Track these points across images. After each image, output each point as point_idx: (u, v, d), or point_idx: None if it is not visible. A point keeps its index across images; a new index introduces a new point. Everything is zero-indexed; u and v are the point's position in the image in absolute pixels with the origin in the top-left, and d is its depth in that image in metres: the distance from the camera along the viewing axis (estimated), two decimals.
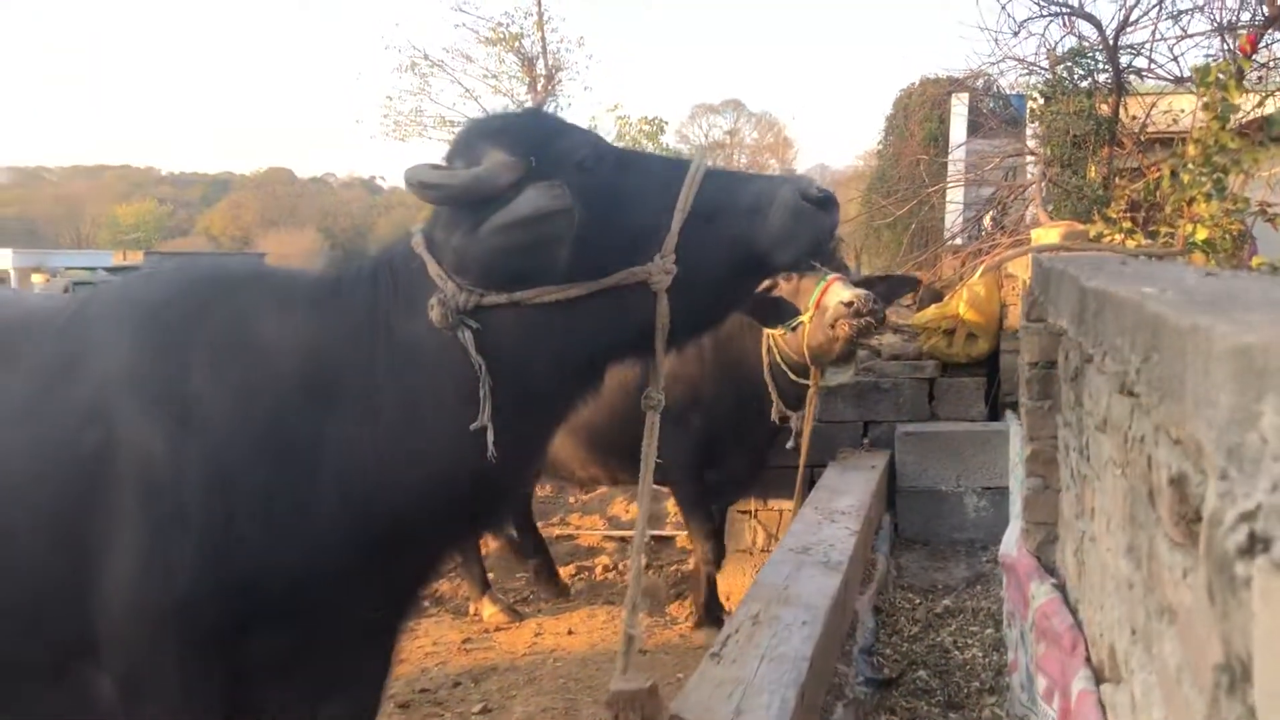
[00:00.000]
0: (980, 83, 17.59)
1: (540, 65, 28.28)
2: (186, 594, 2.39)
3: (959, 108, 17.57)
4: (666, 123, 41.00)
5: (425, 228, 2.50)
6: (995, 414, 6.58)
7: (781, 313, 4.98)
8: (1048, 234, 4.82)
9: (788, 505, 6.62)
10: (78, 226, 68.11)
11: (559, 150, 2.37)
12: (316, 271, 2.87)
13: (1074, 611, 2.92)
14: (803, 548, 4.22)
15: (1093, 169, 9.61)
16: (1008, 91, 16.52)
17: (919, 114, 20.26)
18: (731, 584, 6.65)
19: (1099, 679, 2.45)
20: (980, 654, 4.25)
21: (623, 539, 8.71)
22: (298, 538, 2.42)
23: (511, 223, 2.25)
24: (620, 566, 7.98)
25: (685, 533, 8.42)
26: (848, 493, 5.23)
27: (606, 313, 2.34)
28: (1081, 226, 5.16)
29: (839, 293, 4.81)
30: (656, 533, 8.75)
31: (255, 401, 2.46)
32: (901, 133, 21.13)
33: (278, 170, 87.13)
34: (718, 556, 6.09)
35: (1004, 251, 6.46)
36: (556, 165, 2.34)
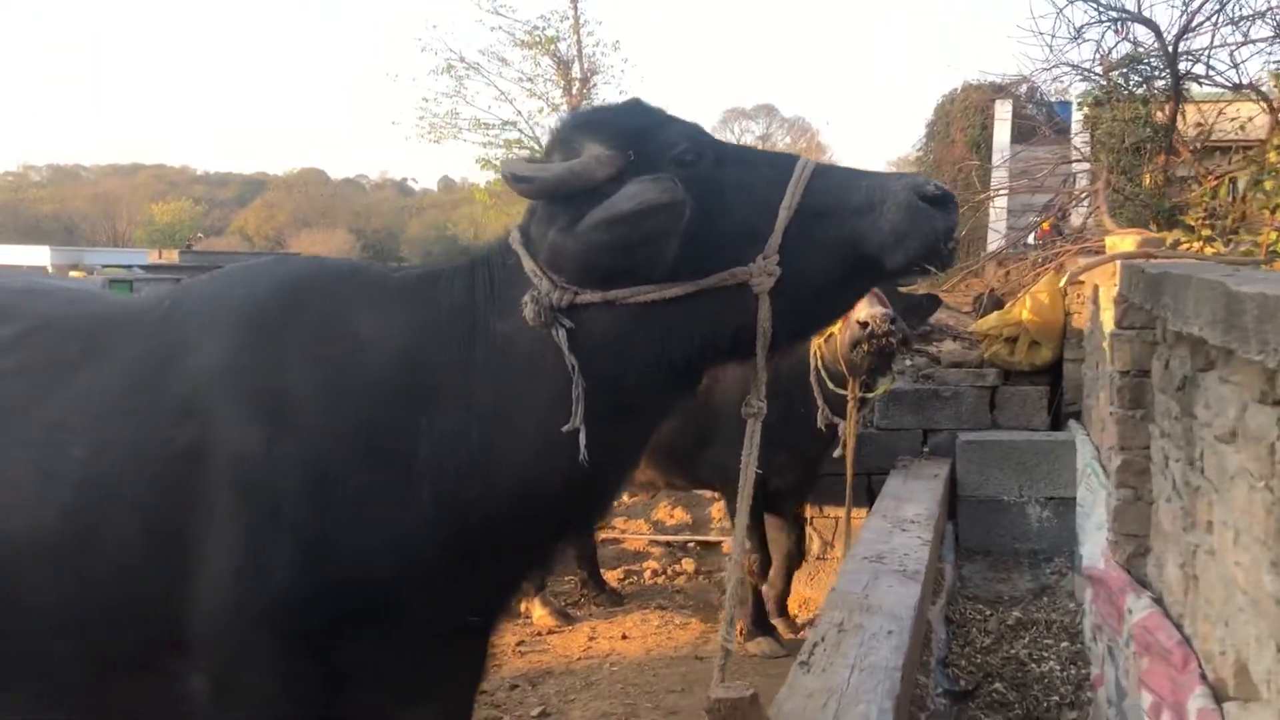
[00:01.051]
0: (1024, 89, 17.44)
1: (576, 69, 28.33)
2: (283, 594, 2.35)
3: (1003, 114, 17.42)
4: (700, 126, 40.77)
5: (522, 223, 2.44)
6: (1057, 423, 6.48)
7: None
8: (1122, 241, 4.73)
9: (841, 513, 6.56)
10: (114, 225, 68.79)
11: (658, 144, 2.29)
12: (412, 269, 2.84)
13: (1178, 627, 2.84)
14: (877, 555, 4.15)
15: (1148, 177, 9.47)
16: (1053, 98, 16.37)
17: (961, 120, 20.13)
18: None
19: (1218, 697, 2.38)
20: (1058, 667, 4.17)
21: (668, 543, 8.66)
22: (393, 538, 2.38)
23: (614, 218, 2.16)
24: (669, 571, 7.94)
25: (729, 540, 8.41)
26: (913, 501, 5.16)
27: (705, 314, 2.25)
28: (1156, 234, 5.07)
29: (859, 310, 4.74)
30: (701, 538, 8.71)
31: (351, 400, 2.41)
32: (944, 139, 21.02)
33: (311, 171, 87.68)
34: (764, 566, 6.03)
35: (1073, 258, 6.35)
36: (654, 159, 2.26)
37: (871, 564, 4.07)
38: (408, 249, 75.89)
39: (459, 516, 2.38)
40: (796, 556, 6.13)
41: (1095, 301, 5.46)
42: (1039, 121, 15.45)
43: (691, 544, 8.62)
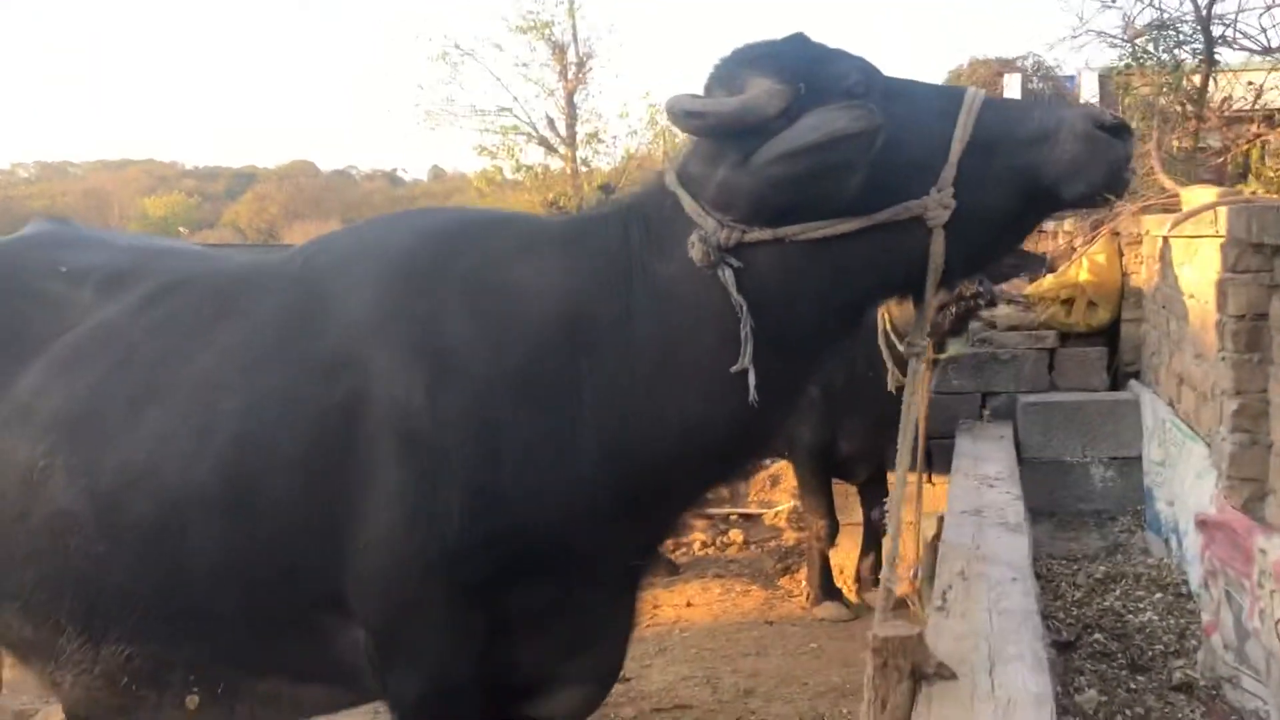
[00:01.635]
0: (1030, 62, 17.41)
1: (571, 53, 28.23)
2: (454, 545, 2.33)
3: (1012, 88, 17.42)
4: None
5: (678, 165, 2.39)
6: (1115, 384, 6.49)
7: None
8: (1200, 194, 4.73)
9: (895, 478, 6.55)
10: (106, 219, 68.41)
11: (828, 76, 2.20)
12: (560, 218, 2.81)
13: None
14: (975, 509, 4.17)
15: (1176, 143, 9.47)
16: (1059, 71, 16.37)
17: None
18: (845, 558, 6.58)
19: None
20: (1156, 618, 4.18)
21: (710, 516, 8.66)
22: (561, 485, 2.36)
23: (798, 149, 2.08)
24: (718, 542, 7.94)
25: (770, 511, 8.41)
26: (991, 460, 5.18)
27: (876, 250, 2.19)
28: (1231, 188, 5.07)
29: None
30: (743, 510, 8.71)
31: (513, 348, 2.39)
32: None
33: (300, 164, 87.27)
34: (831, 533, 6.03)
35: (1133, 218, 6.31)
36: (825, 92, 2.17)
37: (972, 517, 4.08)
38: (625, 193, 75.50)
39: (626, 462, 2.36)
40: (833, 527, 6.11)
41: (1162, 259, 5.46)
42: (1047, 95, 15.45)
43: (733, 516, 8.63)
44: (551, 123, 37.11)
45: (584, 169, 38.49)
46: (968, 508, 4.19)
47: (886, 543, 2.64)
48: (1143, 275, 6.17)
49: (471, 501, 2.34)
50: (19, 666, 2.92)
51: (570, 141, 37.62)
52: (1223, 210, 3.74)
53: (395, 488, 2.36)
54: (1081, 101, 13.51)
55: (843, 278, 2.22)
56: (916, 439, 5.94)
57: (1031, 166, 2.16)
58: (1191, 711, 3.57)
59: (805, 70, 2.20)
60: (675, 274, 2.28)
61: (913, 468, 5.68)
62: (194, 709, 2.69)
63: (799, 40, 2.40)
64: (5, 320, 2.82)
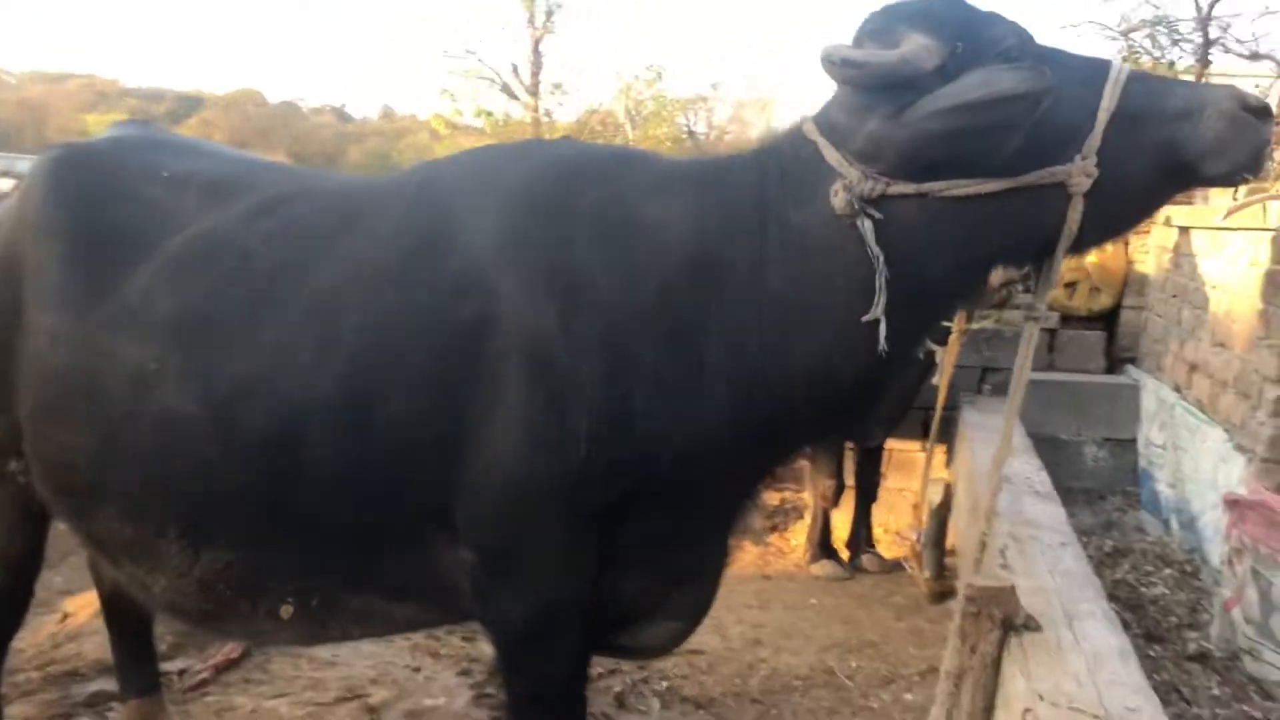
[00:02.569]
0: None
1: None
2: (579, 470, 2.36)
3: None
4: (663, 71, 40.66)
5: (819, 115, 2.42)
6: (1111, 368, 6.68)
7: None
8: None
9: (901, 445, 6.70)
10: (44, 133, 66.22)
11: (985, 38, 2.23)
12: (686, 160, 2.82)
13: None
14: (1004, 477, 4.27)
15: None
16: None
17: None
18: (836, 519, 6.69)
19: None
20: (1167, 592, 4.36)
21: None
22: (687, 420, 2.40)
23: (961, 105, 2.12)
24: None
25: None
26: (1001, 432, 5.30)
27: (1014, 213, 2.23)
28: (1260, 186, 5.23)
29: None
30: None
31: (644, 281, 2.41)
32: None
33: (248, 92, 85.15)
34: (838, 494, 6.16)
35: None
36: (981, 53, 2.21)
37: (1006, 485, 4.18)
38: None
39: (750, 403, 2.40)
40: (872, 489, 6.27)
41: (1177, 249, 5.62)
42: None
43: None
44: (515, 70, 36.73)
45: (546, 119, 38.12)
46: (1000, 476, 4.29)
47: (989, 499, 2.72)
48: (1149, 264, 6.33)
49: (599, 429, 2.36)
50: (106, 565, 2.89)
51: (534, 90, 37.23)
52: (1272, 204, 3.87)
53: (523, 411, 2.37)
54: None
55: (978, 237, 2.26)
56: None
57: (1175, 141, 2.19)
58: (1208, 681, 3.75)
59: (963, 30, 2.23)
60: (810, 222, 2.31)
61: (927, 438, 5.84)
62: (286, 619, 2.70)
63: (944, 4, 2.42)
64: (109, 221, 2.78)
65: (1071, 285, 6.60)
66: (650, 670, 4.71)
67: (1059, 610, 2.82)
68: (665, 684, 4.52)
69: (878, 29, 2.30)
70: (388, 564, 2.64)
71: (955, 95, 2.13)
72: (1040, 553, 3.32)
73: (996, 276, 2.42)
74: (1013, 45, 2.24)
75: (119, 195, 2.82)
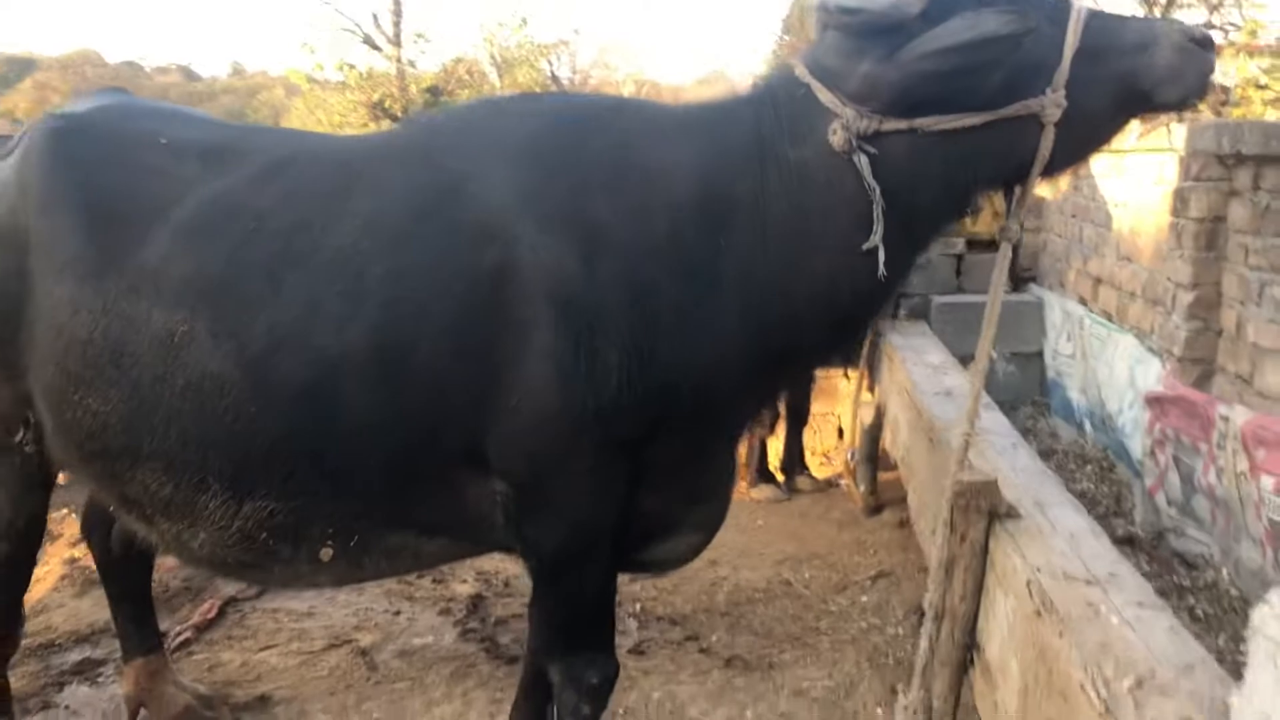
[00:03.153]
0: None
1: None
2: (610, 402, 2.54)
3: None
4: (528, 18, 40.14)
5: (808, 59, 2.62)
6: (1015, 287, 7.12)
7: None
8: None
9: (822, 372, 7.02)
10: None
11: None
12: (684, 105, 2.99)
13: None
14: (944, 391, 4.62)
15: None
16: None
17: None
18: (774, 446, 6.99)
19: None
20: (1091, 486, 4.78)
21: None
22: (706, 347, 2.60)
23: (950, 47, 2.31)
24: None
25: None
26: (929, 351, 5.65)
27: (994, 143, 2.45)
28: None
29: None
30: None
31: (655, 222, 2.58)
32: (798, 32, 21.53)
33: (85, 52, 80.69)
34: (774, 421, 6.46)
35: None
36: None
37: (944, 398, 4.52)
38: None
39: (761, 328, 2.61)
40: (804, 414, 6.59)
41: (1076, 172, 6.02)
42: None
43: None
44: (376, 19, 35.80)
45: (411, 69, 37.30)
46: (938, 390, 4.63)
47: (971, 401, 2.98)
48: (1045, 188, 6.75)
49: (627, 362, 2.54)
50: (138, 527, 2.95)
51: (396, 40, 36.37)
52: (1176, 126, 4.25)
53: (551, 350, 2.52)
54: None
55: (962, 166, 2.49)
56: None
57: (1132, 72, 2.41)
58: (1137, 559, 4.17)
59: None
60: (807, 159, 2.51)
61: (857, 364, 6.17)
62: (326, 561, 2.82)
63: None
64: (115, 190, 2.81)
65: (974, 212, 6.97)
66: (622, 595, 4.95)
67: (1029, 501, 3.13)
68: (639, 605, 4.77)
69: None
70: (421, 502, 2.77)
71: (944, 38, 2.34)
72: (998, 453, 3.65)
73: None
74: None
75: (121, 164, 2.85)
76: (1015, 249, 7.00)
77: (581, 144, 2.69)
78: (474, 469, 2.70)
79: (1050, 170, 2.56)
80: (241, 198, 2.74)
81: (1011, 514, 2.94)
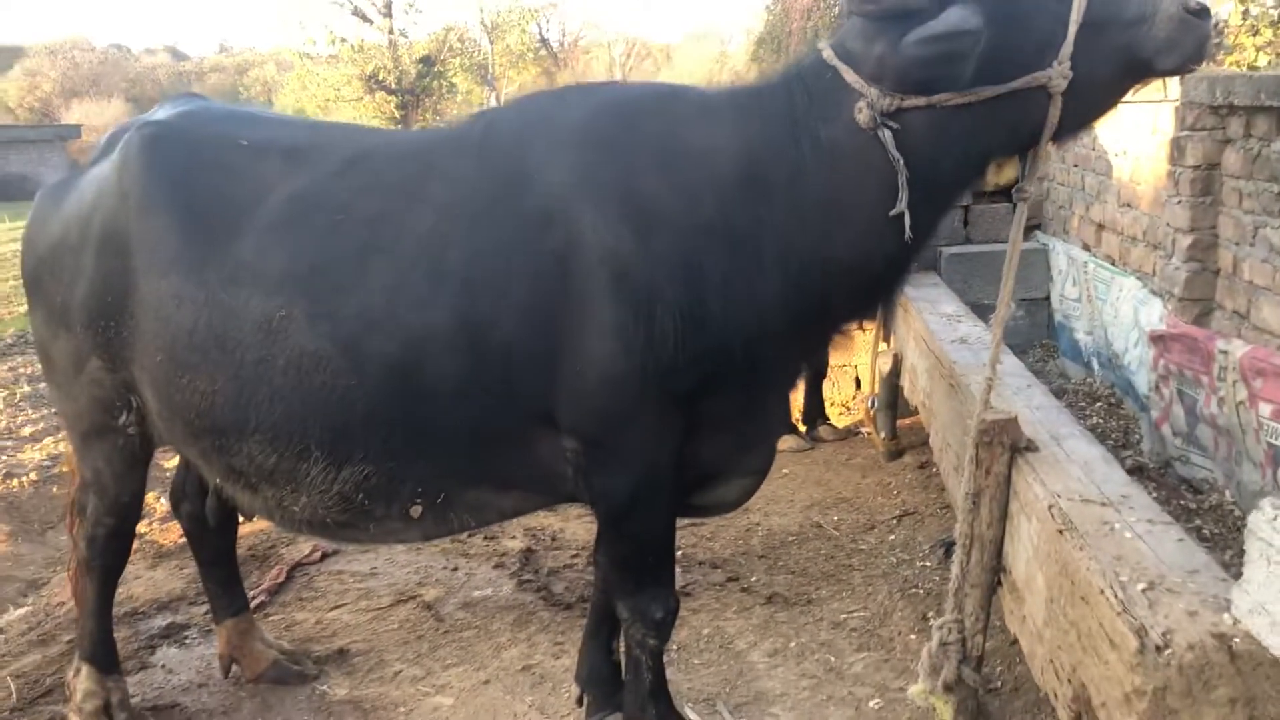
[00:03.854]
0: None
1: None
2: (668, 362, 2.83)
3: None
4: None
5: (834, 42, 2.87)
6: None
7: None
8: None
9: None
10: None
11: None
12: (722, 89, 3.25)
13: None
14: (960, 339, 4.90)
15: None
16: None
17: None
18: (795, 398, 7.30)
19: None
20: (1101, 421, 5.08)
21: None
22: (751, 311, 2.88)
23: (933, 36, 2.56)
24: None
25: None
26: (942, 301, 5.93)
27: (1006, 113, 2.66)
28: None
29: None
30: None
31: (703, 201, 2.86)
32: None
33: (73, 39, 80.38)
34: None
35: None
36: None
37: (961, 345, 4.80)
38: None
39: (801, 291, 2.88)
40: (823, 367, 6.88)
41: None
42: None
43: None
44: None
45: (403, 40, 37.33)
46: (954, 338, 4.91)
47: (992, 350, 3.25)
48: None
49: (682, 326, 2.82)
50: (241, 496, 3.25)
51: (387, 12, 36.38)
52: (1173, 78, 4.49)
53: (613, 318, 2.81)
54: None
55: (978, 136, 2.72)
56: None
57: (1133, 43, 2.58)
58: (1146, 486, 4.46)
59: None
60: (838, 135, 2.77)
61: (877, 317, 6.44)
62: (416, 518, 3.13)
63: None
64: (207, 191, 3.09)
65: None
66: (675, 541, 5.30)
67: (1046, 435, 3.43)
68: (680, 552, 5.08)
69: None
70: (498, 461, 3.08)
71: (930, 27, 2.58)
72: (1014, 393, 3.94)
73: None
74: None
75: (210, 166, 3.13)
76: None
77: (633, 129, 2.95)
78: (546, 428, 3.00)
79: (1060, 135, 2.78)
80: (325, 192, 3.02)
81: (1031, 447, 3.23)
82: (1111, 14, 2.60)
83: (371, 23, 36.45)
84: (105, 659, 3.78)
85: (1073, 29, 2.58)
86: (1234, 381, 3.89)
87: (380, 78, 35.06)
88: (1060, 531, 2.67)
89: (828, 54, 2.81)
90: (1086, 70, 2.60)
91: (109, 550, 3.68)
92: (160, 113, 3.43)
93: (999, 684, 3.67)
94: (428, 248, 2.91)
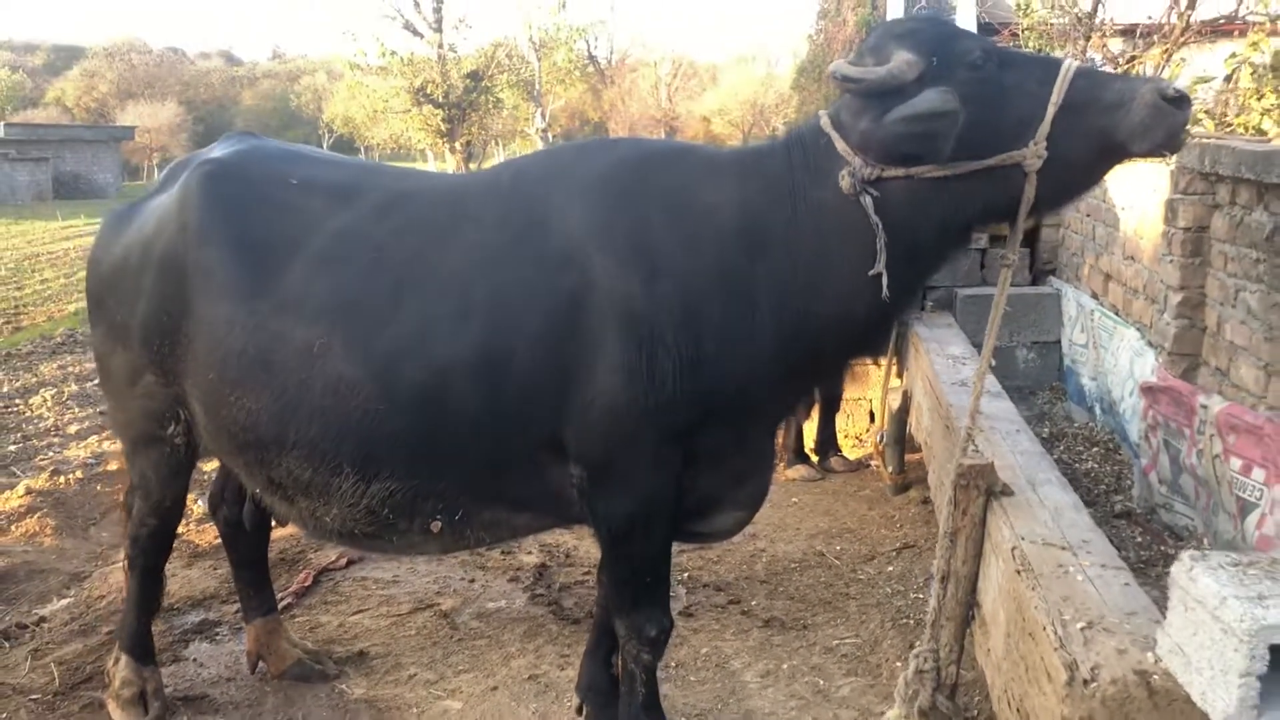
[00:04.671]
0: None
1: None
2: (667, 399, 3.08)
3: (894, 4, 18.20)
4: (564, 2, 40.49)
5: (831, 111, 3.12)
6: (1034, 280, 7.59)
7: None
8: None
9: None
10: None
11: (956, 51, 2.81)
12: (729, 149, 3.52)
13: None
14: (960, 381, 5.12)
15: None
16: None
17: (852, 0, 20.91)
18: (810, 429, 7.51)
19: None
20: (1095, 466, 5.28)
21: None
22: (745, 356, 3.12)
23: (912, 115, 2.75)
24: None
25: None
26: (951, 343, 6.16)
27: (983, 187, 2.81)
28: None
29: None
30: None
31: (706, 250, 3.11)
32: (835, 17, 21.87)
33: (129, 40, 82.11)
34: (809, 406, 6.98)
35: None
36: (953, 64, 2.78)
37: (960, 388, 5.02)
38: (243, 121, 72.64)
39: (791, 340, 3.12)
40: (837, 399, 7.11)
41: None
42: (926, 4, 16.36)
43: None
44: (417, 5, 36.49)
45: (451, 55, 37.94)
46: (955, 380, 5.14)
47: (972, 402, 3.48)
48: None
49: (680, 366, 3.08)
50: (278, 506, 3.55)
51: (437, 26, 37.03)
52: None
53: (619, 356, 3.07)
54: (959, 2, 14.51)
55: (955, 207, 2.90)
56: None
57: (1109, 127, 2.69)
58: (1132, 531, 4.68)
59: (938, 46, 2.83)
60: (828, 199, 2.99)
61: (886, 352, 6.67)
62: (436, 533, 3.41)
63: (935, 21, 3.12)
64: (258, 226, 3.40)
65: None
66: (671, 565, 5.53)
67: (1023, 480, 3.66)
68: (686, 574, 5.34)
69: (875, 45, 2.98)
70: (513, 482, 3.35)
71: (910, 107, 2.78)
72: (1001, 438, 4.17)
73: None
74: (978, 57, 2.86)
75: (262, 202, 3.44)
76: (1034, 248, 7.50)
77: (645, 182, 3.22)
78: (555, 454, 3.26)
79: (1039, 211, 2.94)
80: (365, 231, 3.33)
81: (1005, 491, 3.46)
82: (1091, 98, 2.73)
83: (422, 36, 37.22)
84: (143, 651, 4.08)
85: (1050, 111, 2.72)
86: (1211, 435, 4.09)
87: (428, 91, 35.75)
88: (1019, 571, 2.91)
89: (824, 122, 3.05)
90: (1063, 151, 2.73)
91: (150, 549, 3.99)
92: (217, 150, 3.75)
93: (975, 713, 3.89)
94: (456, 285, 3.20)
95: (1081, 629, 2.50)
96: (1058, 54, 10.59)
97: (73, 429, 9.02)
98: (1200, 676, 2.18)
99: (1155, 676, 2.28)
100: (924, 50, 2.83)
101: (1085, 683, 2.31)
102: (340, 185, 3.49)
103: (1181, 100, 2.66)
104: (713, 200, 3.16)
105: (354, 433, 3.24)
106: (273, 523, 4.36)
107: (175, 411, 3.63)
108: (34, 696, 4.30)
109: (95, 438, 8.67)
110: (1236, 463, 3.89)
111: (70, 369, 11.70)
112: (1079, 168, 2.82)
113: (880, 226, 2.88)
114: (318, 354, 3.22)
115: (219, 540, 5.98)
